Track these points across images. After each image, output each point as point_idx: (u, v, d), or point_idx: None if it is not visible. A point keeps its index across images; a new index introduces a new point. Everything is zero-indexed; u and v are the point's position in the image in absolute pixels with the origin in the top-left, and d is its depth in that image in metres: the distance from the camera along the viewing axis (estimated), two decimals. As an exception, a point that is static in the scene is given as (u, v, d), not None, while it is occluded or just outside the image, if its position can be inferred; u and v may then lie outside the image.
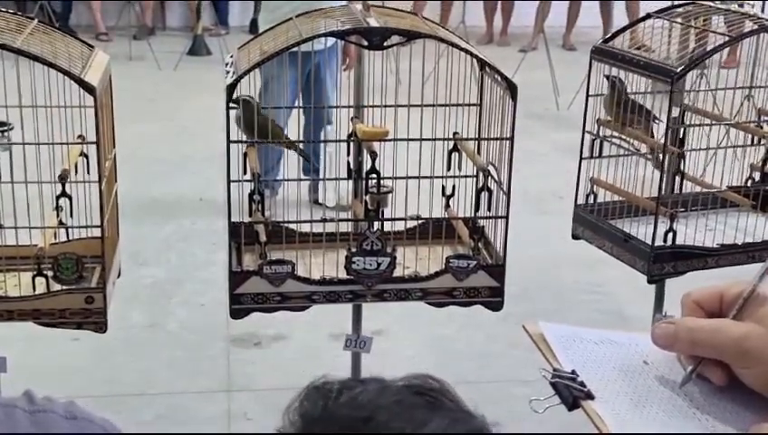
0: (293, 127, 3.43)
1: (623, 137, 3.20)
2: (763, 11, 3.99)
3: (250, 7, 10.49)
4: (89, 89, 2.57)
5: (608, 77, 3.16)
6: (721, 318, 0.95)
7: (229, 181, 2.78)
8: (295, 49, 2.72)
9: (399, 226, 2.99)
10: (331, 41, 5.33)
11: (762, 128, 3.39)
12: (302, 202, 3.11)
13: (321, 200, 5.42)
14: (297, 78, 5.35)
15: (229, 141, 2.75)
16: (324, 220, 2.88)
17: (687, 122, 3.29)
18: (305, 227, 2.94)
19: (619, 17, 9.78)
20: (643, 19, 3.31)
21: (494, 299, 2.85)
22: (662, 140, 3.10)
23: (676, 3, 3.47)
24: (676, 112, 3.19)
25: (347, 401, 0.91)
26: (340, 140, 3.01)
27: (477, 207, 2.90)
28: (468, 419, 0.92)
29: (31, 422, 1.04)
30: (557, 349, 0.99)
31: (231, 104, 2.76)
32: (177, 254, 5.49)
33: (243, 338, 4.59)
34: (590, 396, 0.93)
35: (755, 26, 3.16)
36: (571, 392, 0.93)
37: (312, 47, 3.57)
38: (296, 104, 5.12)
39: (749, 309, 0.93)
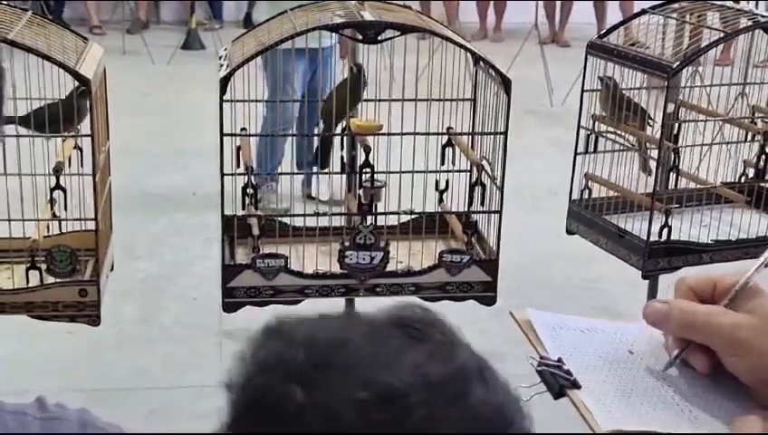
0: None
1: (618, 132, 3.20)
2: (757, 7, 3.99)
3: (244, 2, 10.48)
4: (83, 81, 2.56)
5: (601, 79, 3.15)
6: (713, 305, 0.95)
7: (222, 175, 2.78)
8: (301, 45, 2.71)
9: (393, 220, 2.99)
10: (332, 38, 5.36)
11: (755, 124, 3.40)
12: (295, 196, 3.10)
13: (314, 194, 5.41)
14: (305, 72, 5.43)
15: (222, 135, 2.75)
16: (317, 214, 2.87)
17: (682, 118, 3.29)
18: (298, 221, 2.94)
19: (612, 16, 9.78)
20: (638, 15, 3.31)
21: (487, 294, 2.86)
22: (655, 137, 3.10)
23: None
24: (671, 108, 3.19)
25: (303, 338, 0.77)
26: (334, 134, 3.00)
27: (471, 202, 2.90)
28: (450, 352, 0.79)
29: (43, 430, 1.02)
30: (544, 336, 0.99)
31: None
32: (171, 248, 5.48)
33: (236, 332, 4.58)
34: (575, 385, 0.93)
35: (750, 23, 3.16)
36: (557, 381, 0.93)
37: (306, 43, 3.56)
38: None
39: (741, 300, 0.94)
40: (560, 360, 0.95)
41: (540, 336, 0.99)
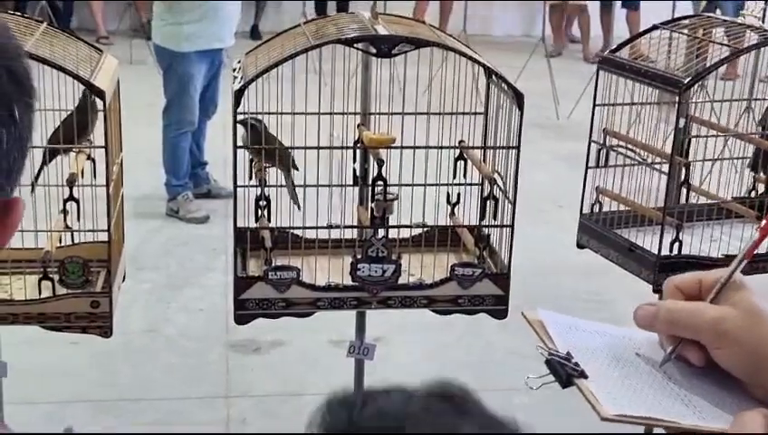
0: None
1: (630, 147, 3.20)
2: (764, 21, 4.00)
3: (251, 13, 10.47)
4: (98, 93, 2.57)
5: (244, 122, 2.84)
6: (699, 301, 0.99)
7: (235, 186, 2.78)
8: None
9: (405, 233, 2.99)
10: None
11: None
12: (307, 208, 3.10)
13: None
14: (205, 75, 5.65)
15: (236, 147, 2.74)
16: (330, 227, 2.87)
17: (693, 133, 3.30)
18: (311, 233, 2.94)
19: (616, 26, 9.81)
20: (649, 30, 3.32)
21: (498, 307, 2.86)
22: (666, 152, 3.10)
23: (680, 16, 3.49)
24: (682, 123, 3.19)
25: (373, 412, 0.86)
26: (346, 147, 3.00)
27: (483, 216, 2.90)
28: (498, 424, 0.88)
29: None
30: (554, 334, 1.02)
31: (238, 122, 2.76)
32: (177, 259, 5.48)
33: (242, 344, 4.58)
34: (583, 375, 0.96)
35: (758, 38, 3.17)
36: (566, 371, 0.96)
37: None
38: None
39: (726, 294, 0.98)
40: (568, 354, 0.99)
41: (550, 334, 1.02)
